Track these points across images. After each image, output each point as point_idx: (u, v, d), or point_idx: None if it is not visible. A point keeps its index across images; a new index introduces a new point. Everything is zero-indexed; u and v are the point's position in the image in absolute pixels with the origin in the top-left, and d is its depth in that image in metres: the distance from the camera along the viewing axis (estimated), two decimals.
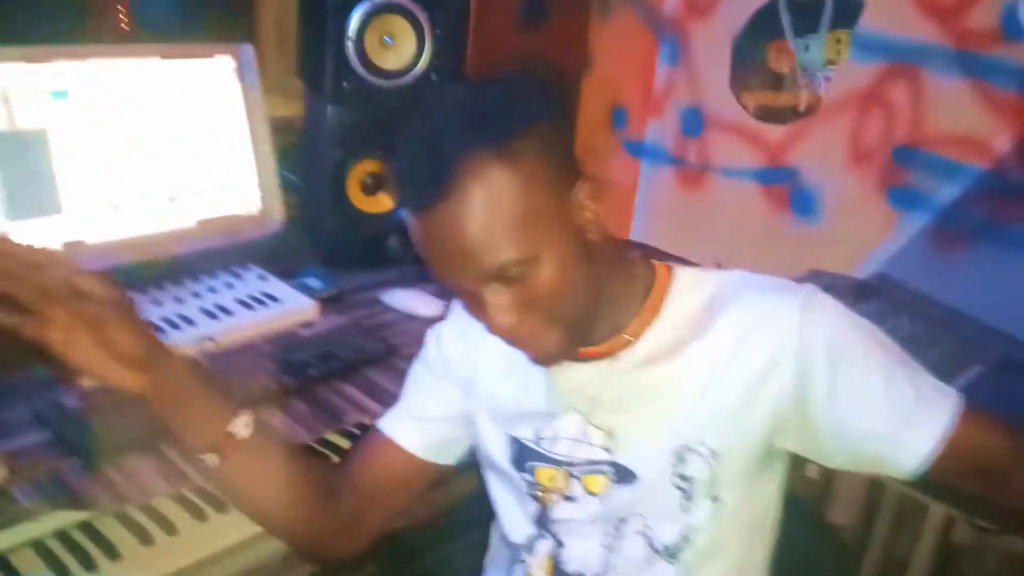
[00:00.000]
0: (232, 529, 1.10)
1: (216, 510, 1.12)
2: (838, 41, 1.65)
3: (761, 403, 0.85)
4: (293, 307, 1.47)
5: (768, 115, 1.76)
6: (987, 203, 1.53)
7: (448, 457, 1.06)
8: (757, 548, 0.95)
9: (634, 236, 2.11)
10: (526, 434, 0.97)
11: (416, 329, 1.53)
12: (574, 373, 0.93)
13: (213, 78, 1.54)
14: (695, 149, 1.91)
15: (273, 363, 1.31)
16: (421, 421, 1.04)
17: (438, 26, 1.65)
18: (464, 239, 0.77)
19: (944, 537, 1.15)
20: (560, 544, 0.97)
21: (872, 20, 1.60)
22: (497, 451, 1.00)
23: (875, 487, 1.23)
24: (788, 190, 1.75)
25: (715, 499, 0.88)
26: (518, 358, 0.91)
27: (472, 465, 1.40)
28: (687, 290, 0.92)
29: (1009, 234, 1.51)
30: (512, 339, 0.85)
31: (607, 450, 0.92)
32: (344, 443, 1.26)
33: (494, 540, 1.11)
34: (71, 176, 1.36)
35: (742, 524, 0.92)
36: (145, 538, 1.06)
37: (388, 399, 1.31)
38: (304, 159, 1.78)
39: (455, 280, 0.82)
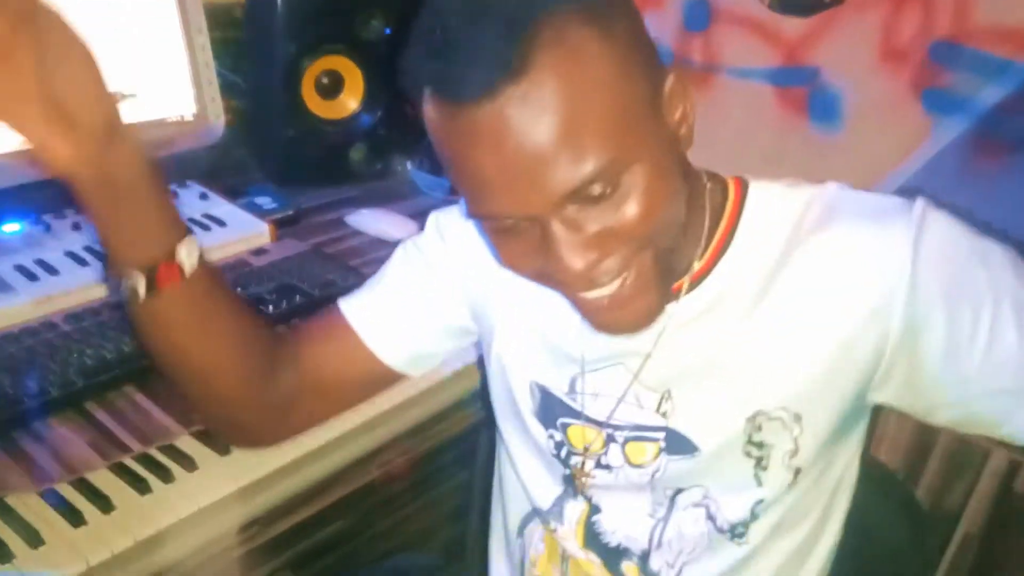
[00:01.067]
0: (181, 501, 0.93)
1: (161, 480, 0.93)
2: None
3: (859, 358, 0.68)
4: (242, 231, 1.28)
5: (787, 5, 1.56)
6: None
7: (417, 369, 0.88)
8: (834, 515, 0.81)
9: None
10: (557, 383, 0.80)
11: (386, 256, 1.34)
12: None
13: None
14: (699, 46, 1.71)
15: None
16: (399, 324, 0.85)
17: None
18: (538, 138, 0.56)
19: (1005, 485, 1.02)
20: (596, 509, 0.82)
21: None
22: (519, 399, 0.83)
23: (926, 427, 1.09)
24: (806, 92, 1.57)
25: (795, 470, 0.73)
26: None
27: (451, 409, 1.26)
28: (765, 214, 0.73)
29: None
30: (589, 286, 0.64)
31: (663, 414, 0.75)
32: None
33: (496, 518, 0.95)
34: None
35: (820, 492, 0.77)
36: (75, 519, 0.87)
37: None
38: (249, 55, 1.53)
39: (509, 208, 0.61)
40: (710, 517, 0.77)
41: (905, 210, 0.67)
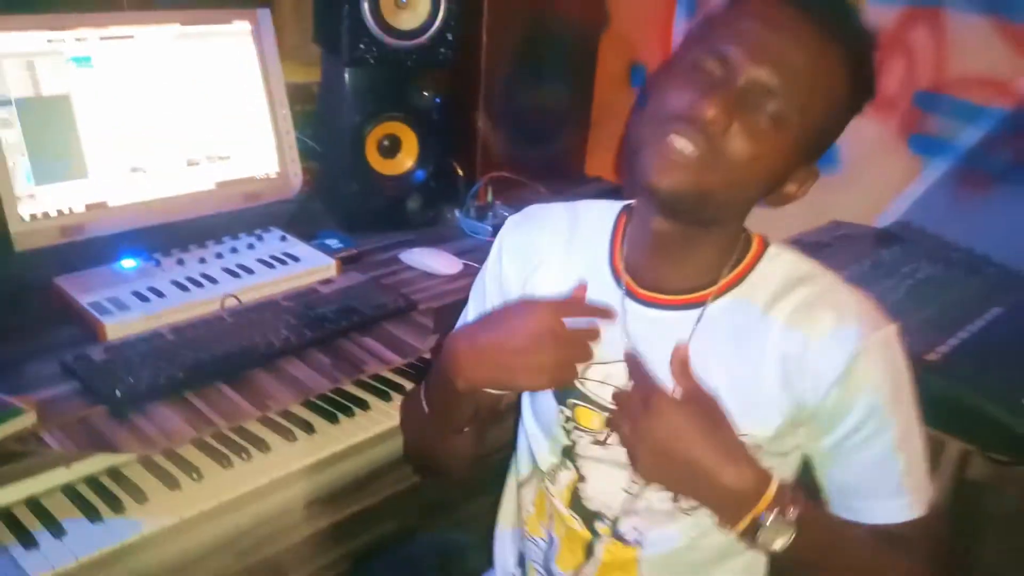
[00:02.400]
0: (254, 475, 1.14)
1: (239, 457, 1.15)
2: None
3: (788, 400, 0.86)
4: (313, 265, 1.50)
5: None
6: (1011, 145, 1.50)
7: None
8: None
9: None
10: None
11: (435, 286, 1.55)
12: (649, 319, 0.91)
13: (231, 43, 1.56)
14: None
15: (294, 317, 1.33)
16: None
17: None
18: (808, 51, 0.77)
19: (960, 473, 1.13)
20: (582, 478, 0.97)
21: None
22: None
23: None
24: None
25: None
26: (590, 278, 0.92)
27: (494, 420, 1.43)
28: (774, 269, 0.90)
29: None
30: (689, 130, 0.78)
31: None
32: (362, 394, 1.29)
33: (509, 481, 1.12)
34: (95, 141, 1.39)
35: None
36: (171, 483, 1.10)
37: (407, 350, 1.34)
38: (323, 124, 1.79)
39: (735, 48, 0.78)
40: (675, 498, 0.92)
41: (877, 323, 0.85)
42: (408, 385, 1.33)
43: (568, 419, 0.96)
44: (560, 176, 2.03)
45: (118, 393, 1.11)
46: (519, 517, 1.08)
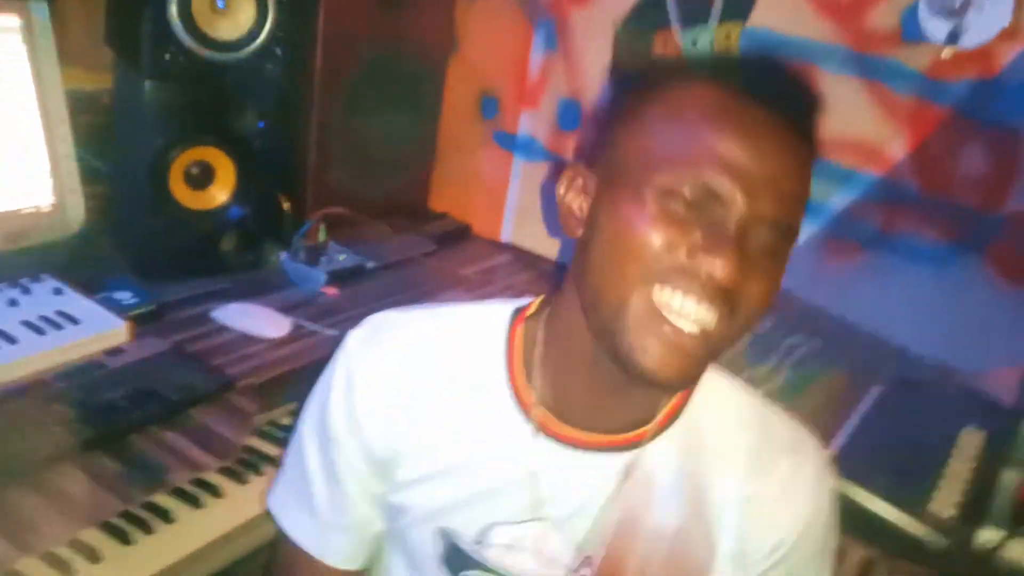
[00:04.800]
0: None
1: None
2: (728, 36, 1.54)
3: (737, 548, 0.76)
4: (98, 329, 1.19)
5: None
6: (879, 212, 1.47)
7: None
8: None
9: (504, 236, 1.93)
10: (465, 530, 0.76)
11: (257, 353, 1.29)
12: (572, 464, 0.73)
13: None
14: (573, 145, 1.77)
15: (70, 407, 1.02)
16: (347, 531, 0.82)
17: None
18: (793, 165, 0.65)
19: None
20: None
21: (765, 14, 1.50)
22: (420, 547, 0.78)
23: None
24: None
25: None
26: (483, 415, 0.73)
27: None
28: (710, 398, 0.77)
29: (901, 244, 1.45)
30: (694, 292, 0.64)
31: None
32: (175, 505, 1.00)
33: None
34: None
35: None
36: None
37: (222, 448, 1.08)
38: (115, 143, 1.48)
39: (726, 181, 0.63)
40: None
41: (819, 461, 0.79)
42: (224, 484, 1.05)
43: None
44: (402, 212, 1.83)
45: None
46: None
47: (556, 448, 0.73)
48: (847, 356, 1.38)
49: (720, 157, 0.63)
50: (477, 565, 0.76)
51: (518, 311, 0.78)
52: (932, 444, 1.21)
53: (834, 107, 1.42)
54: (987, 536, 1.04)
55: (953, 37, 1.33)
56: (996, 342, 1.37)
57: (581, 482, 0.73)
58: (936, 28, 1.34)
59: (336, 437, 0.78)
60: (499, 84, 1.86)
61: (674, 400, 0.75)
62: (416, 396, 0.75)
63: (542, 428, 0.73)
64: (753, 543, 0.75)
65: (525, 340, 0.76)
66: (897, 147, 1.43)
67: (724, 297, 0.63)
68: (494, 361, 0.76)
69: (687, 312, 0.63)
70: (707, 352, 0.65)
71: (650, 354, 0.64)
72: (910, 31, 1.37)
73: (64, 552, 0.90)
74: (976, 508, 1.09)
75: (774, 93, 0.66)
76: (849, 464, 1.10)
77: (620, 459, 0.73)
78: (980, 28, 1.31)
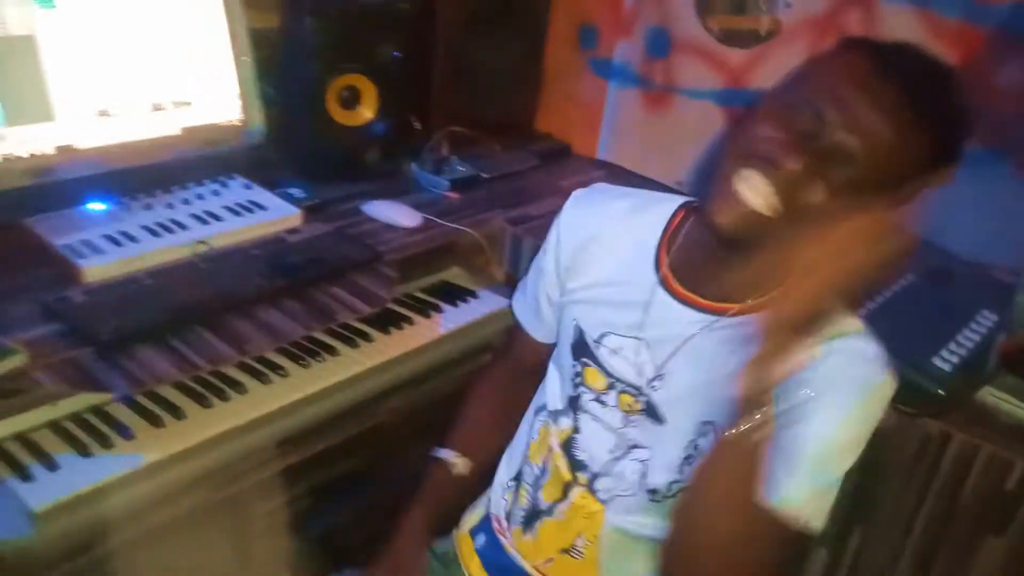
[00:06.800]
0: (232, 415, 1.22)
1: (218, 398, 1.22)
2: None
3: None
4: (279, 214, 1.54)
5: (731, 38, 1.84)
6: None
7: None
8: None
9: (600, 154, 2.18)
10: (592, 331, 1.04)
11: (396, 239, 1.62)
12: (672, 311, 0.97)
13: None
14: (661, 70, 1.98)
15: (266, 266, 1.39)
16: (541, 313, 1.17)
17: None
18: (894, 131, 0.79)
19: None
20: (577, 430, 1.07)
21: None
22: (565, 333, 1.09)
23: None
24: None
25: None
26: (632, 261, 1.00)
27: (450, 365, 1.52)
28: None
29: None
30: (763, 166, 0.81)
31: (652, 387, 1.00)
32: (331, 341, 1.37)
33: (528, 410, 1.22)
34: (61, 83, 1.39)
35: None
36: (155, 421, 1.16)
37: (374, 300, 1.42)
38: (282, 73, 1.81)
39: (832, 111, 0.79)
40: (643, 474, 1.02)
41: (883, 374, 0.91)
42: (373, 333, 1.42)
43: (578, 374, 1.06)
44: (512, 131, 2.11)
45: (104, 336, 1.15)
46: (526, 443, 1.18)
47: (666, 296, 0.98)
48: None
49: (838, 95, 0.79)
50: (592, 358, 1.04)
51: (685, 204, 1.04)
52: (948, 320, 1.41)
53: (889, 30, 1.61)
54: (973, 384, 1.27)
55: None
56: None
57: (674, 322, 0.97)
58: None
59: (547, 248, 1.12)
60: (596, 15, 2.09)
61: (762, 300, 0.89)
62: (601, 229, 1.05)
63: (663, 280, 0.99)
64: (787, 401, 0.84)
65: (679, 223, 1.02)
66: None
67: (786, 189, 0.80)
68: (656, 229, 1.02)
69: (754, 184, 0.81)
70: (759, 224, 0.82)
71: (718, 211, 0.85)
72: None
73: (273, 357, 1.30)
74: (972, 365, 1.31)
75: (900, 72, 0.80)
76: (873, 328, 1.33)
77: (705, 319, 0.95)
78: None
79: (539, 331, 1.20)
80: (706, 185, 0.88)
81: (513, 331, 1.26)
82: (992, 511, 1.29)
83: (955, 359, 1.33)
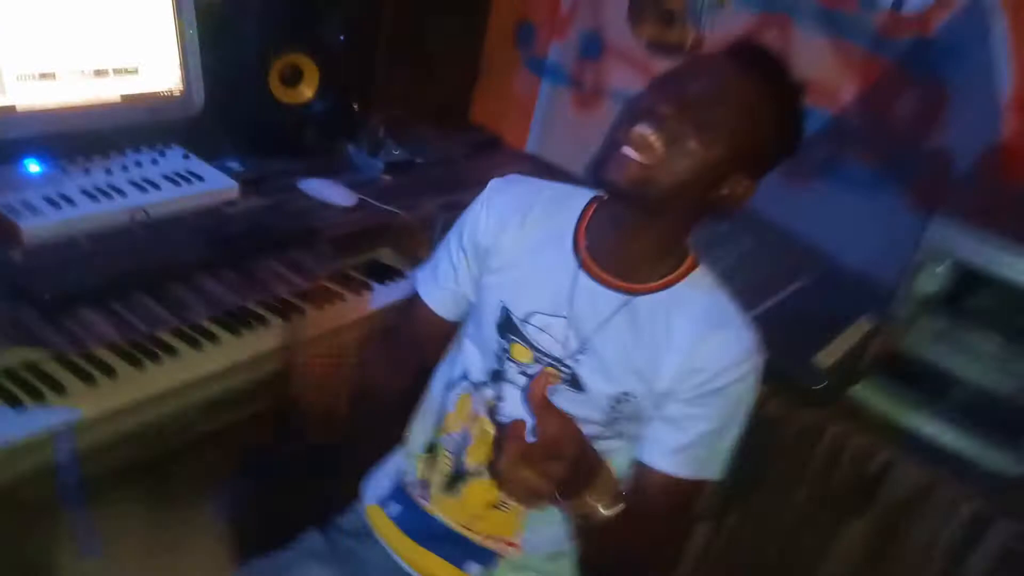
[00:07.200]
0: (165, 377, 1.28)
1: (152, 361, 1.28)
2: None
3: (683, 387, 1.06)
4: (216, 186, 1.59)
5: (658, 49, 1.96)
6: (831, 145, 1.79)
7: (463, 315, 1.26)
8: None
9: (529, 148, 2.28)
10: (519, 311, 1.13)
11: (331, 216, 1.69)
12: (593, 291, 1.08)
13: None
14: (592, 72, 2.09)
15: (204, 234, 1.44)
16: (447, 290, 1.24)
17: None
18: (733, 103, 0.96)
19: (760, 411, 1.39)
20: (500, 398, 1.16)
21: None
22: (488, 312, 1.16)
23: None
24: None
25: (620, 435, 1.11)
26: (553, 247, 1.10)
27: None
28: (701, 283, 1.09)
29: (847, 173, 1.79)
30: (643, 114, 0.96)
31: (575, 360, 1.10)
32: (266, 314, 1.43)
33: (435, 383, 1.30)
34: (4, 45, 1.41)
35: (627, 455, 1.14)
36: (87, 379, 1.21)
37: (309, 275, 1.49)
38: (226, 47, 1.84)
39: (682, 108, 0.95)
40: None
41: (757, 346, 1.06)
42: (307, 308, 1.49)
43: (504, 350, 1.14)
44: (448, 121, 2.19)
45: (47, 296, 1.19)
46: (439, 414, 1.25)
47: (586, 277, 1.09)
48: (779, 258, 1.71)
49: (684, 93, 0.96)
50: (519, 335, 1.12)
51: (597, 196, 1.14)
52: (830, 323, 1.57)
53: (802, 52, 1.75)
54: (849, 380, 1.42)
55: (898, 3, 1.65)
56: (911, 254, 1.70)
57: (593, 301, 1.07)
58: None
59: (462, 229, 1.21)
60: (535, 14, 2.18)
61: (667, 278, 1.07)
62: (523, 215, 1.14)
63: (583, 263, 1.09)
64: (684, 382, 1.04)
65: (594, 211, 1.13)
66: (848, 91, 1.75)
67: (664, 133, 0.94)
68: (573, 217, 1.13)
69: (636, 134, 0.95)
70: (645, 176, 0.95)
71: (610, 170, 0.97)
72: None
73: (207, 324, 1.35)
74: (848, 364, 1.47)
75: (755, 56, 1.00)
76: (763, 329, 1.47)
77: (621, 298, 1.07)
78: None
79: (444, 308, 1.26)
80: (599, 160, 1.00)
81: (410, 307, 1.30)
82: (856, 496, 1.45)
83: (832, 359, 1.49)
